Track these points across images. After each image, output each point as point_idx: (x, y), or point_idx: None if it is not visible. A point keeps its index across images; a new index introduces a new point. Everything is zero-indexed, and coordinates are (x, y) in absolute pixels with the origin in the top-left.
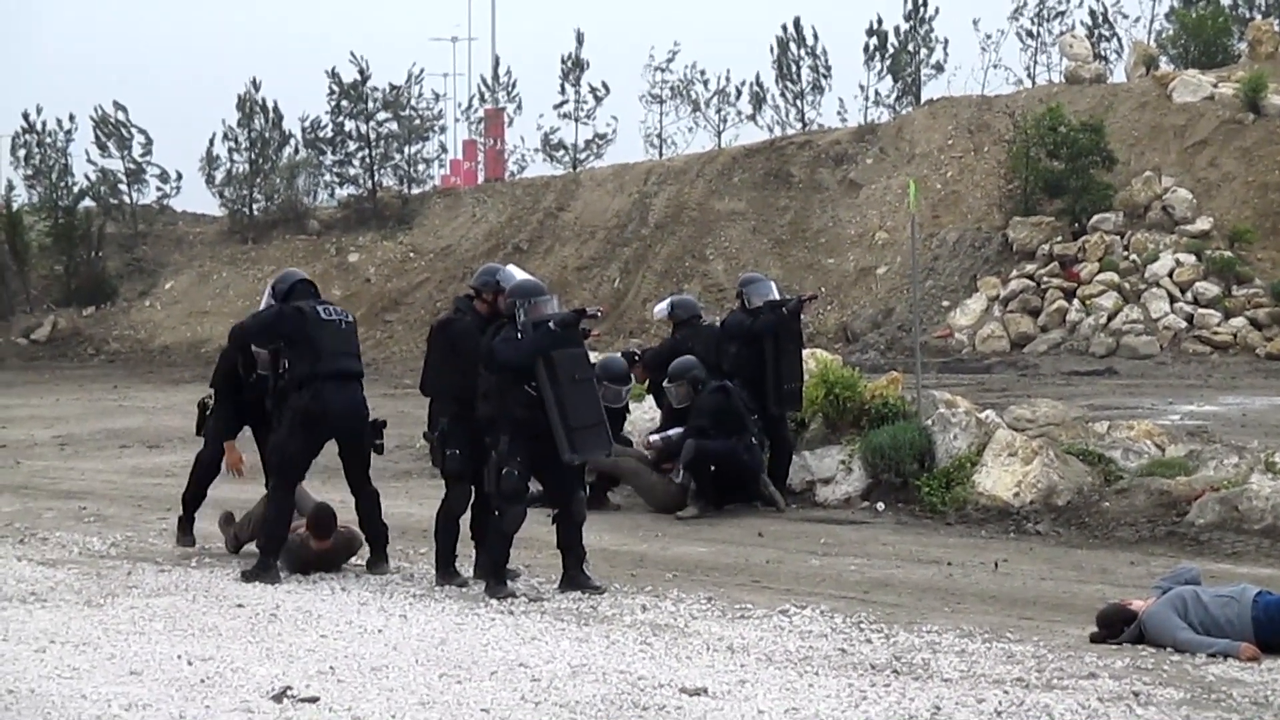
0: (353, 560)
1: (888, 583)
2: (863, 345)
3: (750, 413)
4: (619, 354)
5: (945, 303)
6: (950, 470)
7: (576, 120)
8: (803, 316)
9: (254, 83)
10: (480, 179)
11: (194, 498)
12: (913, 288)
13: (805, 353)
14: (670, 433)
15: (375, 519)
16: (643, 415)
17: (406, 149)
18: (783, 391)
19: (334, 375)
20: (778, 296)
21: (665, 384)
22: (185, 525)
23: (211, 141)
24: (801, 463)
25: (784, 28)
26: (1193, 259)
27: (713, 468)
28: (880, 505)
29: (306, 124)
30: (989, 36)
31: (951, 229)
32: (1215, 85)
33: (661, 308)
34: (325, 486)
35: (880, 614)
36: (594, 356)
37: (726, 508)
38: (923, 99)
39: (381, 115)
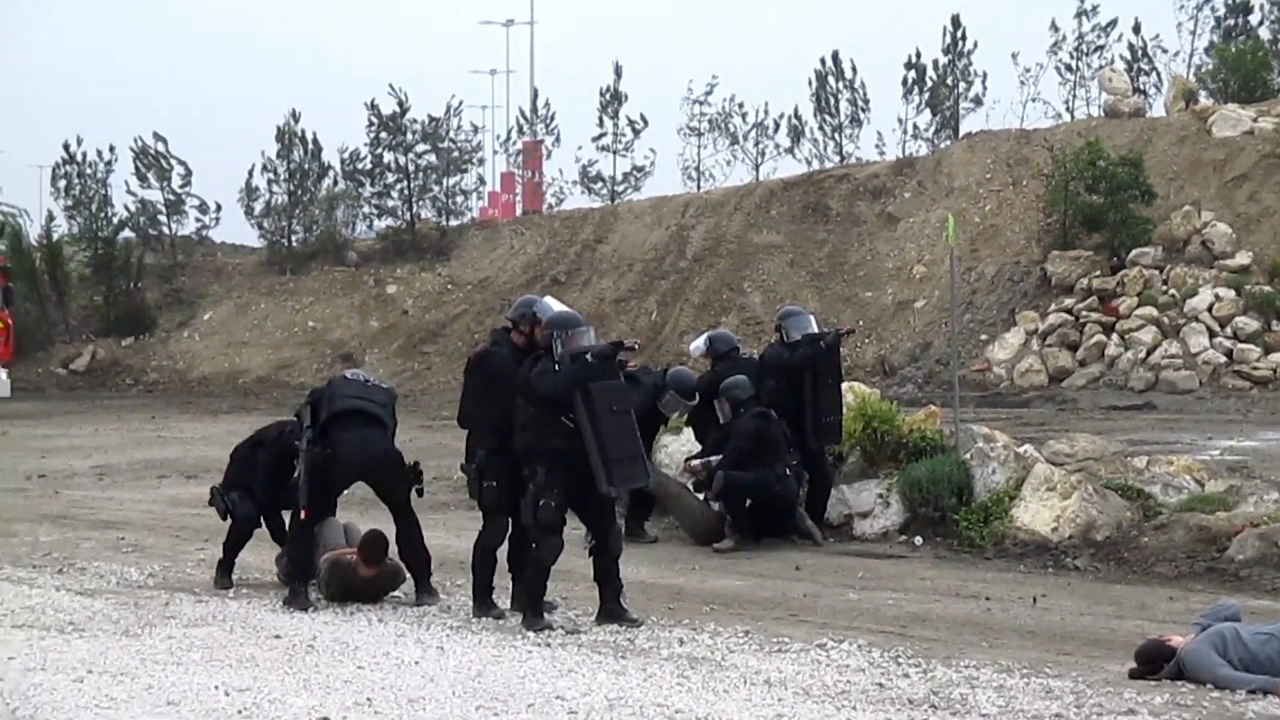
0: (393, 593)
1: (925, 617)
2: (900, 379)
3: (789, 444)
4: (684, 368)
5: (983, 336)
6: (988, 504)
7: (615, 153)
8: (841, 350)
9: (293, 114)
10: (518, 211)
11: (234, 547)
12: (951, 321)
13: (843, 386)
14: (711, 459)
15: (417, 548)
16: (680, 448)
17: (445, 181)
18: (821, 424)
19: (345, 414)
20: (816, 330)
21: (715, 400)
22: (224, 569)
23: (251, 173)
24: (839, 496)
25: (822, 61)
26: (1232, 294)
27: (747, 501)
28: (918, 539)
29: (345, 156)
30: (1028, 70)
31: (990, 263)
32: (1255, 119)
33: (698, 345)
34: (364, 518)
35: (918, 648)
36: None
37: (764, 541)
38: (961, 132)
39: (420, 147)
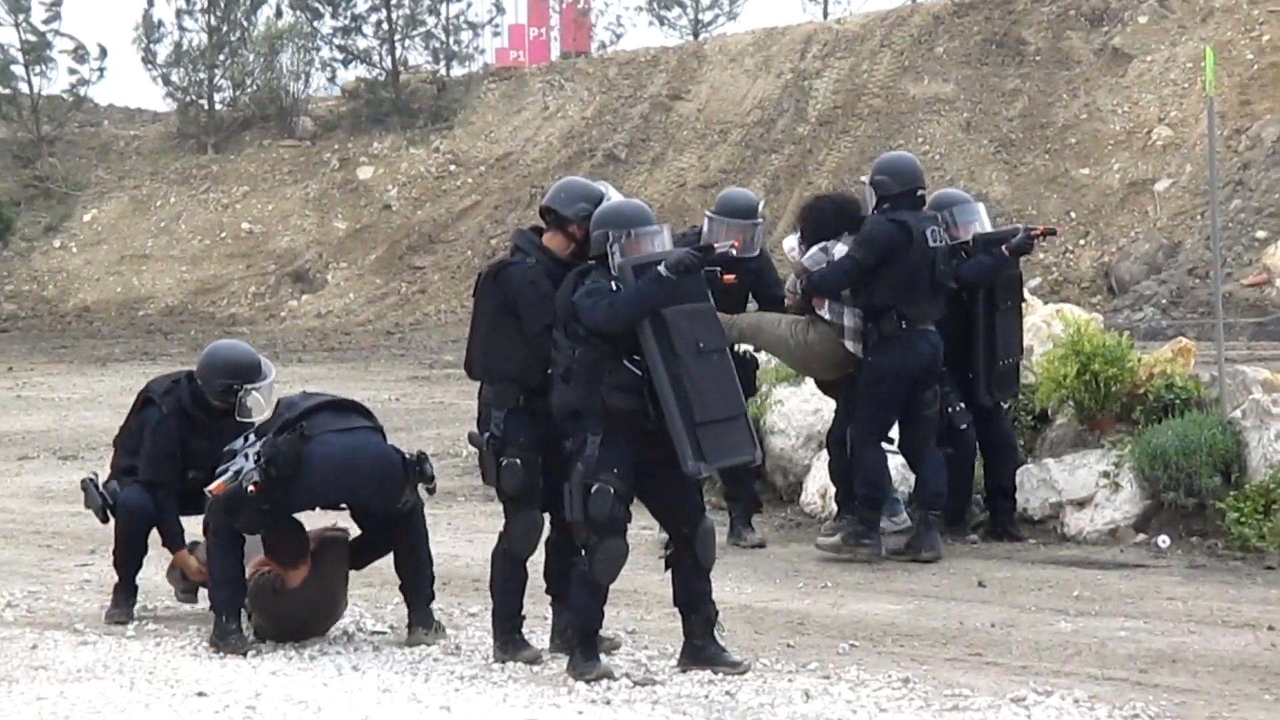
0: (371, 625)
1: (1177, 656)
2: (1135, 298)
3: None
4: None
5: (1261, 233)
6: (1271, 487)
7: None
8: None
9: None
10: (554, 54)
11: (130, 557)
12: (1212, 211)
13: (1048, 310)
14: (815, 251)
15: (418, 557)
16: (800, 404)
17: (443, 9)
18: (997, 371)
19: (322, 408)
20: (989, 228)
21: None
22: (122, 594)
23: (150, 1)
24: (1043, 476)
25: None
26: None
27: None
28: (1164, 540)
29: None
30: None
31: (1271, 121)
32: None
33: (795, 242)
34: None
35: (1167, 703)
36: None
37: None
38: None
39: None
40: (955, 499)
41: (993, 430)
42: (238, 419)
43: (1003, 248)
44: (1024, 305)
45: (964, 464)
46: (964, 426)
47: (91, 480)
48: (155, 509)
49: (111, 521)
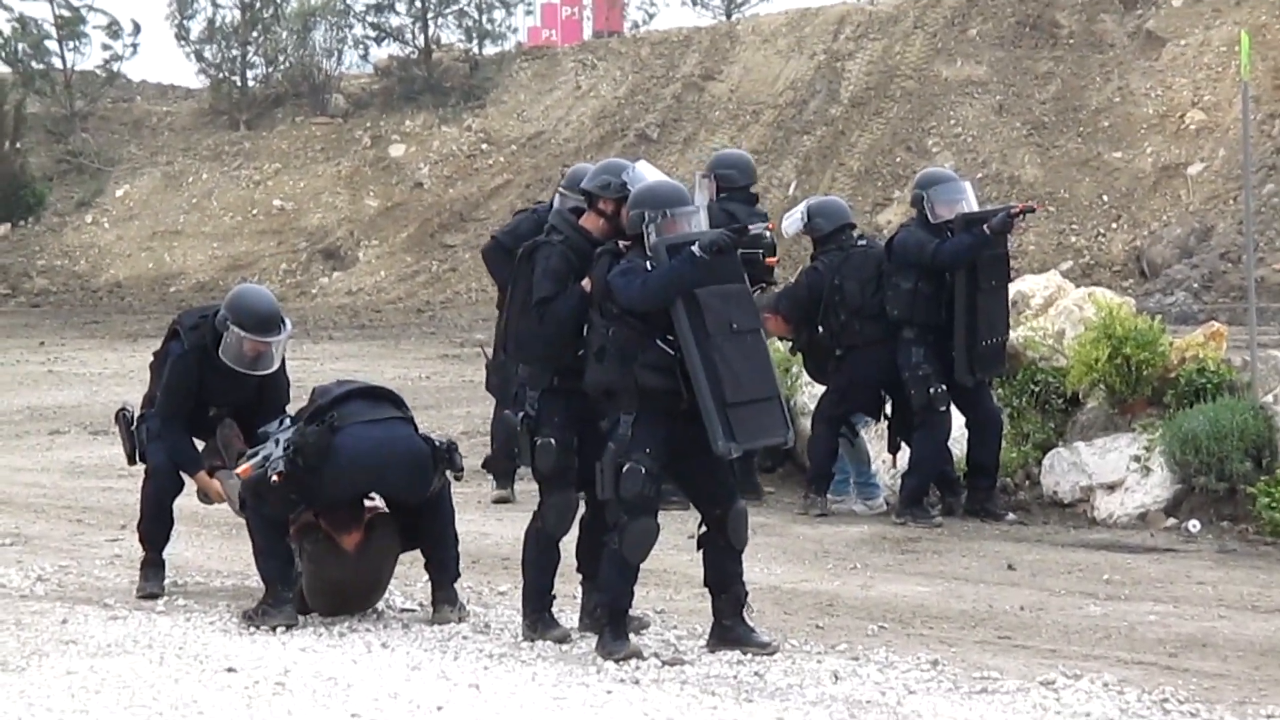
0: (400, 602)
1: (1208, 640)
2: (1167, 282)
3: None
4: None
5: None
6: None
7: None
8: (1011, 236)
9: None
10: (586, 33)
11: (155, 530)
12: (1245, 195)
13: (1080, 293)
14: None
15: (443, 533)
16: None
17: None
18: (978, 351)
19: (353, 396)
20: (975, 207)
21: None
22: (151, 569)
23: None
24: (1073, 458)
25: None
26: None
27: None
28: (1194, 524)
29: None
30: None
31: None
32: None
33: (793, 220)
34: None
35: (1196, 688)
36: None
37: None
38: None
39: None
40: (919, 479)
41: (978, 409)
42: (248, 372)
43: (984, 227)
44: (1010, 284)
45: (936, 446)
46: (942, 409)
47: (125, 413)
48: (169, 445)
49: (138, 465)
